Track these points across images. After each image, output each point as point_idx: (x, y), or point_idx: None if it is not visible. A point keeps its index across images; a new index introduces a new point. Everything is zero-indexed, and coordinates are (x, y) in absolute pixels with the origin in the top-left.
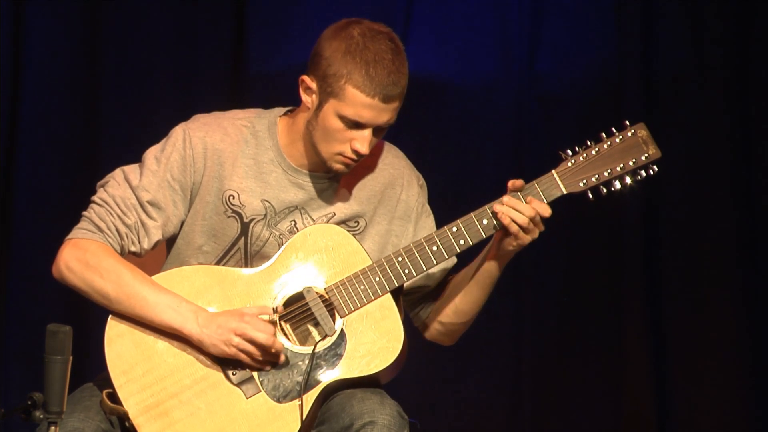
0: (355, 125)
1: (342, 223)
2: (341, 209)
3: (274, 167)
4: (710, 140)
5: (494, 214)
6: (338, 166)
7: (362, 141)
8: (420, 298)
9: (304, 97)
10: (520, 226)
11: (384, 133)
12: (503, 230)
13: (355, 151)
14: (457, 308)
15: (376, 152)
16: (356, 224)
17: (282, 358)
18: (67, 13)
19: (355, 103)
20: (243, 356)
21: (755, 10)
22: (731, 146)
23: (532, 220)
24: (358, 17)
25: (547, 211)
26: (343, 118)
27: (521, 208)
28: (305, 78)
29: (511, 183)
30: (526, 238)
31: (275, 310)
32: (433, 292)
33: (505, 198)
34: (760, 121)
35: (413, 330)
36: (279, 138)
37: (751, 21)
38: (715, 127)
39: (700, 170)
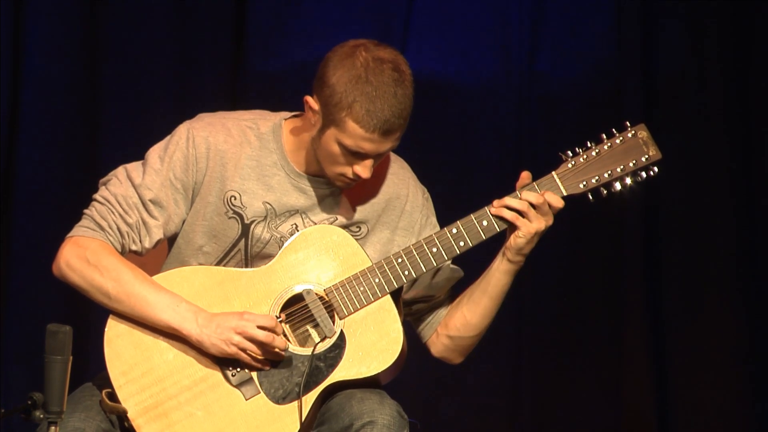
0: (356, 155)
1: (344, 227)
2: (343, 215)
3: (277, 170)
4: (710, 140)
5: (494, 216)
6: (341, 184)
7: (363, 167)
8: (427, 310)
9: (308, 114)
10: (518, 212)
11: (385, 156)
12: (508, 224)
13: (357, 175)
14: (467, 320)
15: (381, 161)
16: (358, 229)
17: (282, 357)
18: (67, 13)
19: (354, 136)
20: (243, 355)
21: (755, 10)
22: (731, 146)
23: (535, 207)
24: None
25: (559, 202)
26: (343, 146)
27: (527, 196)
28: (309, 99)
29: (524, 175)
30: (530, 227)
31: (278, 318)
32: (441, 305)
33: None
34: (759, 121)
35: (413, 331)
36: (284, 142)
37: (750, 21)
38: (715, 128)
39: (700, 170)
